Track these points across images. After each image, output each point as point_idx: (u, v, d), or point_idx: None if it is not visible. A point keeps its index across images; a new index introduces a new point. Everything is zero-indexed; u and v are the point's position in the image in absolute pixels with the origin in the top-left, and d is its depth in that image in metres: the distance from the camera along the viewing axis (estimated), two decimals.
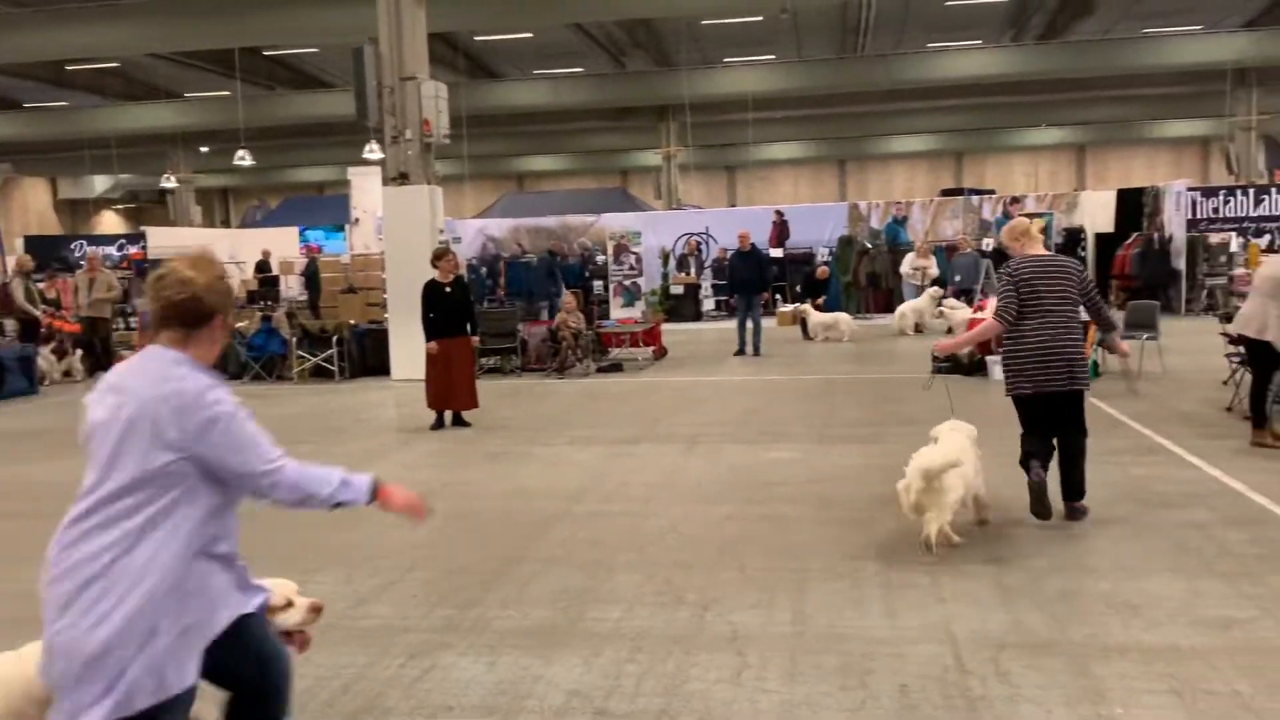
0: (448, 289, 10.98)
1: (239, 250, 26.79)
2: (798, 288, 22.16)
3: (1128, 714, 4.03)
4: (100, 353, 16.68)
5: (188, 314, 3.02)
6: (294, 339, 16.03)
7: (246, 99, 30.55)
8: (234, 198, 52.94)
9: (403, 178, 15.34)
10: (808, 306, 19.59)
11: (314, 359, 15.69)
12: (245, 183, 49.05)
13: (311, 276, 22.75)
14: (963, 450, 6.23)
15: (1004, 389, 6.78)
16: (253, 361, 15.97)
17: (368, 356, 16.20)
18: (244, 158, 29.86)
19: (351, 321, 16.86)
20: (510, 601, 5.53)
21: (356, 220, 24.14)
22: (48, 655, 2.90)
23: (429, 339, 10.93)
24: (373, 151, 25.45)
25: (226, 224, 49.48)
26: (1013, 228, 6.89)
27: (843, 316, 19.33)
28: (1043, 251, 6.83)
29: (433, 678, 4.60)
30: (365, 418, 12.34)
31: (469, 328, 11.12)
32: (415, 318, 15.36)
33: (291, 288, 25.19)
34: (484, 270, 25.86)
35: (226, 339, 3.29)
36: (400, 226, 15.35)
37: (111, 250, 33.24)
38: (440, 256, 11.20)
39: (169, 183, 36.89)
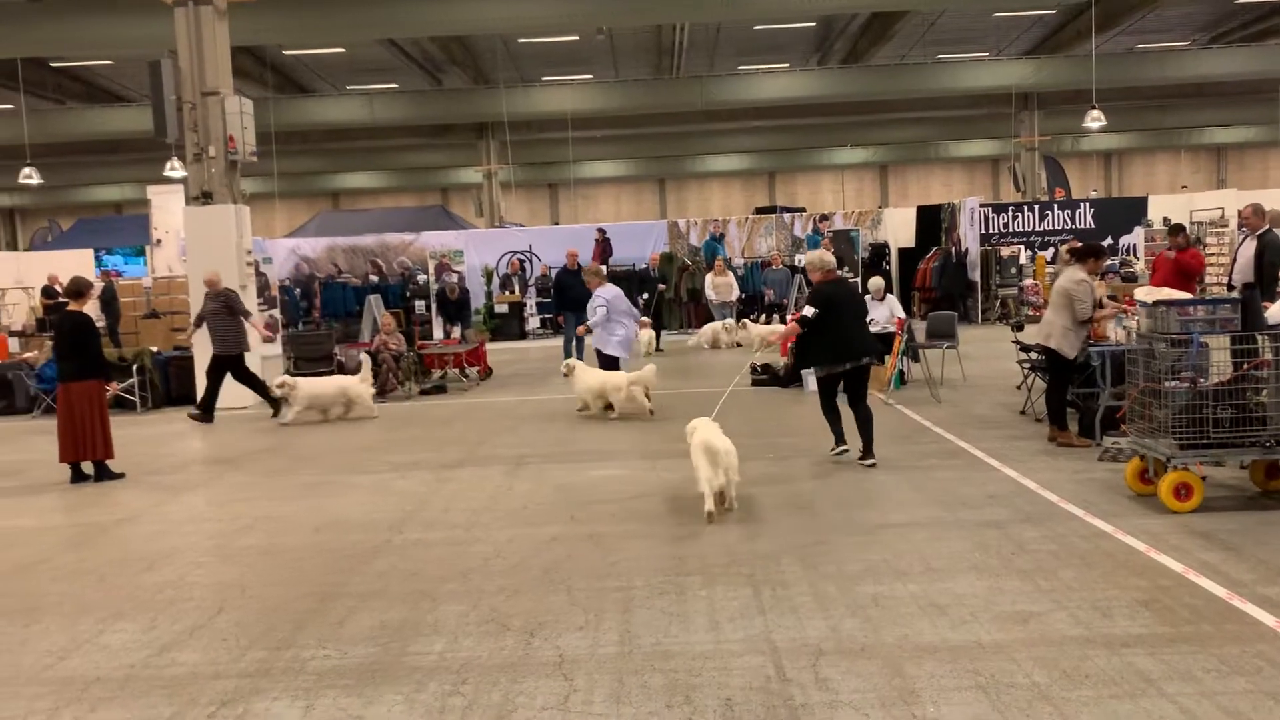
0: None
1: (27, 275, 24.99)
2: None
3: (938, 711, 4.20)
4: None
5: None
6: None
7: (32, 113, 28.53)
8: (21, 218, 49.31)
9: (206, 196, 14.66)
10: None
11: (113, 389, 14.74)
12: (33, 202, 45.74)
13: (108, 301, 21.42)
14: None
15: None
16: (44, 394, 14.86)
17: (172, 385, 15.36)
18: (30, 176, 27.83)
19: (154, 348, 15.95)
20: (327, 640, 5.31)
21: (158, 241, 22.90)
22: None
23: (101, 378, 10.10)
24: (174, 169, 24.24)
25: (14, 246, 46.04)
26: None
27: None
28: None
29: None
30: (170, 451, 11.67)
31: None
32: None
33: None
34: (298, 291, 24.98)
35: None
36: (205, 247, 14.65)
37: None
38: (86, 290, 10.25)
39: None
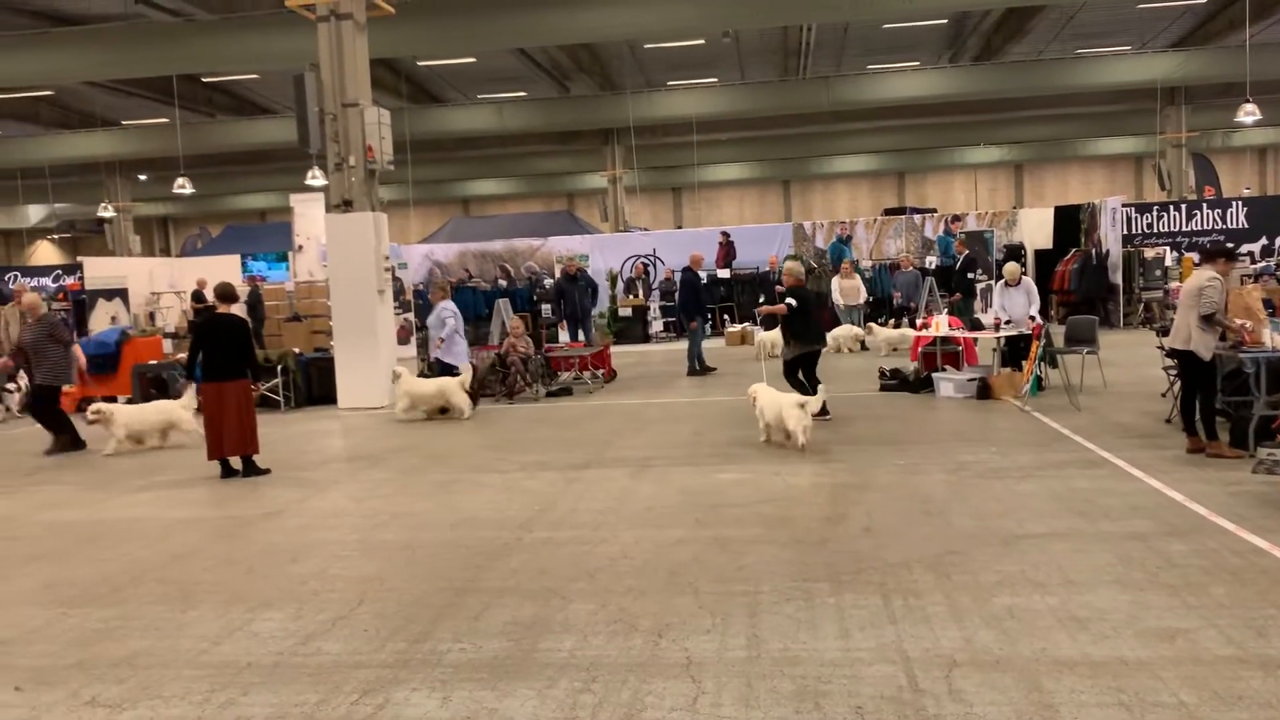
0: None
1: (179, 280, 26.37)
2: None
3: None
4: None
5: None
6: None
7: (185, 126, 30.17)
8: (174, 226, 52.15)
9: (346, 204, 15.22)
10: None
11: (259, 389, 15.43)
12: (185, 211, 48.34)
13: (254, 305, 22.45)
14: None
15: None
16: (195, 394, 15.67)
17: (314, 385, 16.00)
18: (184, 185, 29.44)
19: (297, 350, 16.65)
20: (463, 634, 5.46)
21: (300, 247, 23.89)
22: None
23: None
24: (316, 178, 25.26)
25: (167, 252, 48.70)
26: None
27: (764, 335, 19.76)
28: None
29: (385, 715, 4.52)
30: (311, 448, 12.17)
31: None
32: (362, 345, 15.26)
33: None
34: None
35: None
36: (344, 253, 15.22)
37: (47, 281, 32.58)
38: (235, 295, 10.88)
39: (106, 212, 36.26)
